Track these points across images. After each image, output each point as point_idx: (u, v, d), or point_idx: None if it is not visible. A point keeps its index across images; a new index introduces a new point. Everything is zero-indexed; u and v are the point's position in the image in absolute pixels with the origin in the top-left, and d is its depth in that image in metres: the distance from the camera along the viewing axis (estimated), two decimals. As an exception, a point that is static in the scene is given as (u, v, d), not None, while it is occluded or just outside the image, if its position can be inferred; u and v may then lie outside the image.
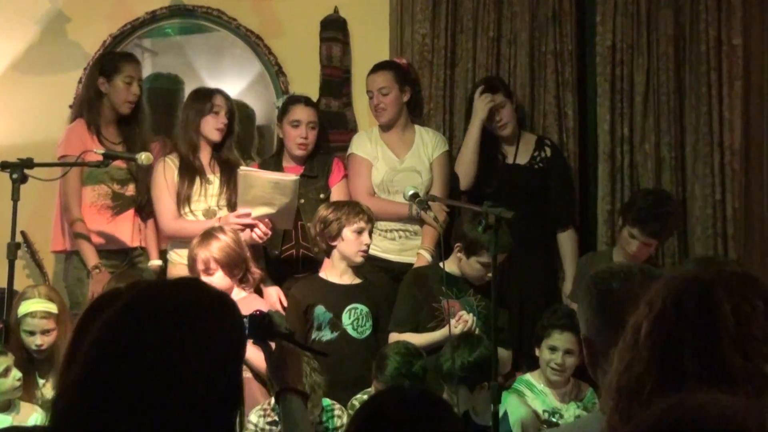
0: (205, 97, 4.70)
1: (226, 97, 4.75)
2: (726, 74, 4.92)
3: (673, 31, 4.98)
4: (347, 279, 4.40)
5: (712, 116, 4.93)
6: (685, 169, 5.01)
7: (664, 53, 4.99)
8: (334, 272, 4.40)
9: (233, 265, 4.20)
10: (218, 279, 4.17)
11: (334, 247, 4.37)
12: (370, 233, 4.40)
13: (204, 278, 4.14)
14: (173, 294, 1.64)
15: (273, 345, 2.28)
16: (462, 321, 4.17)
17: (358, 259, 4.36)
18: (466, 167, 4.86)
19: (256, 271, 4.34)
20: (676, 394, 1.24)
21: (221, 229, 4.29)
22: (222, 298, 1.67)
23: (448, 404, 2.14)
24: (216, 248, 4.18)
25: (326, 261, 4.47)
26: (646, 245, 4.44)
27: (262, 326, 2.27)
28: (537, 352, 4.08)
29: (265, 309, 4.19)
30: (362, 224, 4.34)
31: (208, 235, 4.23)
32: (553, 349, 4.00)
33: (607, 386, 1.49)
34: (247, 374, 3.94)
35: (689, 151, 4.99)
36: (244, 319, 2.02)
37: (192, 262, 4.23)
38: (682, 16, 4.99)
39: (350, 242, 4.33)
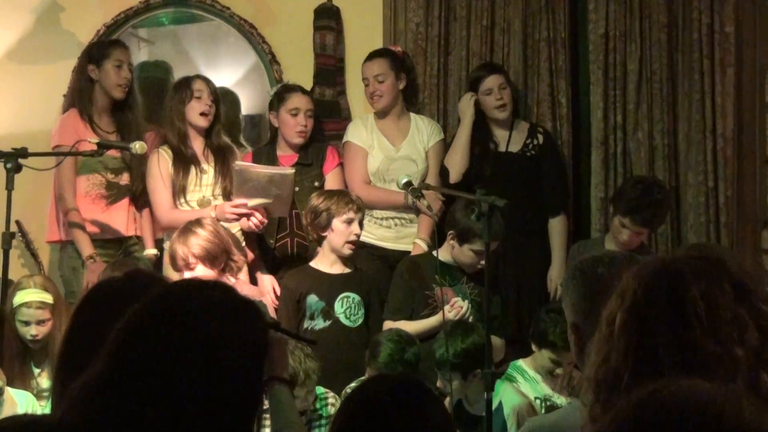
0: (184, 84, 4.71)
1: (207, 81, 4.75)
2: (718, 61, 4.93)
3: (665, 18, 4.98)
4: (338, 268, 4.41)
5: (704, 103, 4.94)
6: (678, 157, 5.02)
7: (657, 41, 4.99)
8: (325, 262, 4.42)
9: (213, 258, 4.19)
10: (200, 272, 4.17)
11: (324, 237, 4.39)
12: (360, 223, 4.41)
13: (186, 273, 4.16)
14: (203, 294, 1.67)
15: None
16: (456, 307, 4.18)
17: (347, 250, 4.36)
18: (455, 164, 4.86)
19: (239, 259, 4.33)
20: (652, 382, 1.26)
21: (199, 222, 4.26)
22: (249, 303, 1.70)
23: (434, 392, 2.17)
24: (193, 244, 4.16)
25: (318, 250, 4.49)
26: (637, 234, 4.46)
27: None
28: (534, 347, 4.07)
29: (254, 295, 4.24)
30: (351, 214, 4.34)
31: (186, 230, 4.21)
32: (557, 363, 3.98)
33: (586, 378, 1.51)
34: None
35: (682, 138, 5.01)
36: None
37: (172, 258, 4.24)
38: (674, 4, 4.99)
39: (339, 233, 4.34)
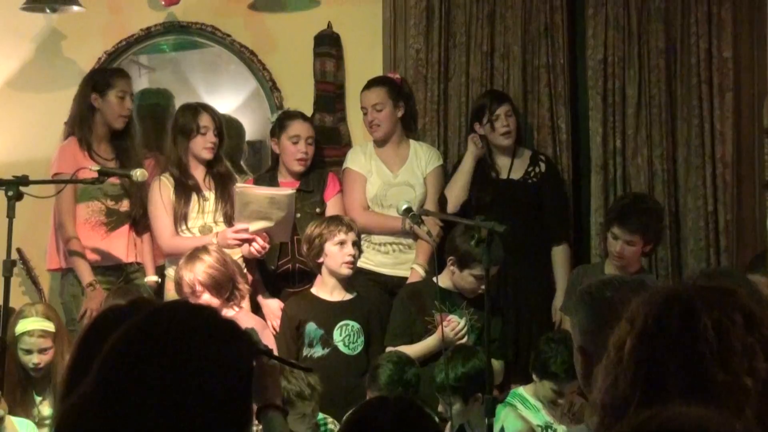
0: (191, 117, 4.68)
1: (212, 114, 4.74)
2: (717, 87, 4.95)
3: (663, 44, 5.01)
4: (338, 295, 4.41)
5: (703, 128, 4.96)
6: (678, 182, 5.03)
7: (656, 66, 5.02)
8: (325, 289, 4.43)
9: (219, 286, 4.20)
10: (205, 301, 4.17)
11: (321, 264, 4.40)
12: (356, 244, 4.40)
13: (191, 300, 4.16)
14: (189, 316, 1.68)
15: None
16: (452, 322, 4.17)
17: (345, 271, 4.37)
18: (454, 194, 4.87)
19: (243, 288, 4.35)
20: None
21: (206, 249, 4.28)
22: (232, 324, 1.71)
23: (431, 414, 2.18)
24: (200, 271, 4.18)
25: (318, 277, 4.49)
26: (629, 244, 4.40)
27: None
28: (534, 377, 4.05)
29: (255, 325, 4.25)
30: (342, 236, 4.34)
31: (193, 257, 4.23)
32: (559, 393, 3.96)
33: (592, 403, 1.51)
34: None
35: (681, 163, 5.02)
36: None
37: (178, 285, 4.24)
38: (672, 30, 5.02)
39: (333, 256, 4.35)
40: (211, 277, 4.18)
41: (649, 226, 4.49)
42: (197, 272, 4.17)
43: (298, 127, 4.78)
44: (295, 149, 4.76)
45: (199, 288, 4.17)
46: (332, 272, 4.39)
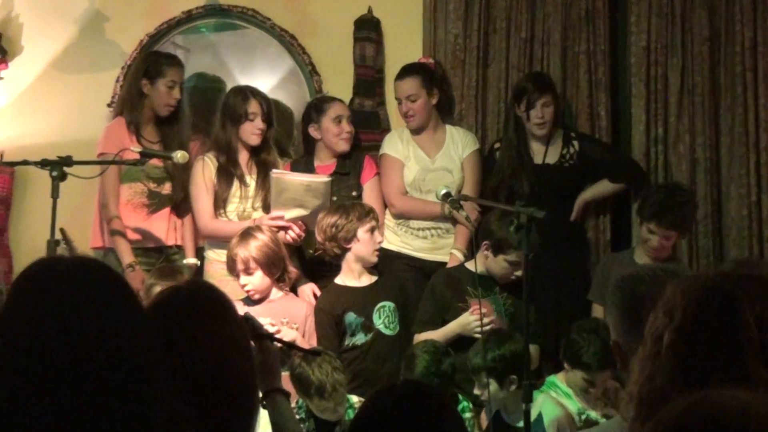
0: (240, 103, 4.68)
1: (262, 100, 4.74)
2: (762, 75, 4.89)
3: (707, 31, 4.95)
4: (366, 279, 4.44)
5: (747, 117, 4.90)
6: (720, 170, 4.98)
7: (699, 54, 4.96)
8: (352, 275, 4.43)
9: (272, 264, 4.26)
10: (257, 279, 4.24)
11: (348, 250, 4.39)
12: (381, 232, 4.48)
13: (243, 278, 4.22)
14: (188, 297, 1.74)
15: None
16: (476, 312, 4.15)
17: (374, 258, 4.42)
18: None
19: (293, 271, 4.40)
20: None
21: (259, 228, 4.34)
22: (226, 300, 1.74)
23: (448, 400, 2.14)
24: (254, 248, 4.23)
25: (343, 266, 4.45)
26: (665, 238, 4.43)
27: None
28: (566, 365, 4.02)
29: (305, 308, 4.29)
30: (373, 223, 4.40)
31: (246, 234, 4.28)
32: (590, 383, 3.91)
33: (629, 395, 1.50)
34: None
35: (724, 152, 4.97)
36: None
37: (231, 262, 4.28)
38: (716, 17, 4.96)
39: (366, 242, 4.37)
40: (266, 255, 4.23)
41: (685, 220, 4.50)
42: (251, 249, 4.23)
43: (339, 108, 4.82)
44: (339, 129, 4.79)
45: (253, 265, 4.23)
46: (360, 258, 4.40)
